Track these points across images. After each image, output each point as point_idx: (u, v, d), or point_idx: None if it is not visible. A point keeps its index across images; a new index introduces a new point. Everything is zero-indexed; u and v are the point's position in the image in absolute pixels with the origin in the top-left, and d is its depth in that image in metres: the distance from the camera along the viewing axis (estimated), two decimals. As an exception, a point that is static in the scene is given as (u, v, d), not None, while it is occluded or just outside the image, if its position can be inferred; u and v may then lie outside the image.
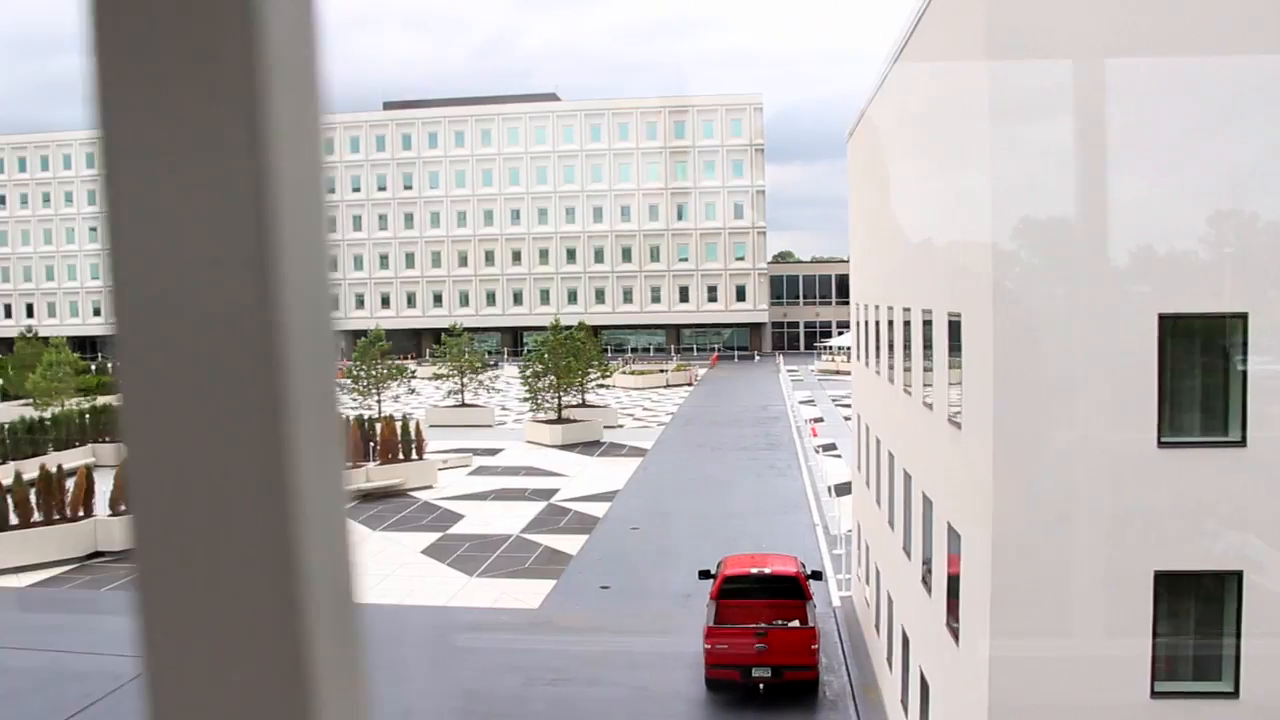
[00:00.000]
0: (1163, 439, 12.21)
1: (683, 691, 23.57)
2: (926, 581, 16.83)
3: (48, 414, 59.23)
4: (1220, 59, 12.17)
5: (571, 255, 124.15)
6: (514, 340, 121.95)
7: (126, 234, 0.94)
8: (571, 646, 26.70)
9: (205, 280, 0.92)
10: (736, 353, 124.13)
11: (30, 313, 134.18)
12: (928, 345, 16.62)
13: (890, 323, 21.06)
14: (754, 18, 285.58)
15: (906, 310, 18.84)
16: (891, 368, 21.16)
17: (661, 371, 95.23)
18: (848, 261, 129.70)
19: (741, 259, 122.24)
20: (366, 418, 49.02)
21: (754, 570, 25.33)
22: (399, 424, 47.25)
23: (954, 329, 14.56)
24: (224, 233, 0.91)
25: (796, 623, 23.76)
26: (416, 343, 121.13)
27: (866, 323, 25.43)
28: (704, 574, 27.60)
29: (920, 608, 17.47)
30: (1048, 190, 12.60)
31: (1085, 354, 12.40)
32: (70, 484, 36.37)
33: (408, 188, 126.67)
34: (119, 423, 0.94)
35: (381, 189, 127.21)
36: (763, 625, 23.14)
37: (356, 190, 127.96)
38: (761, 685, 22.68)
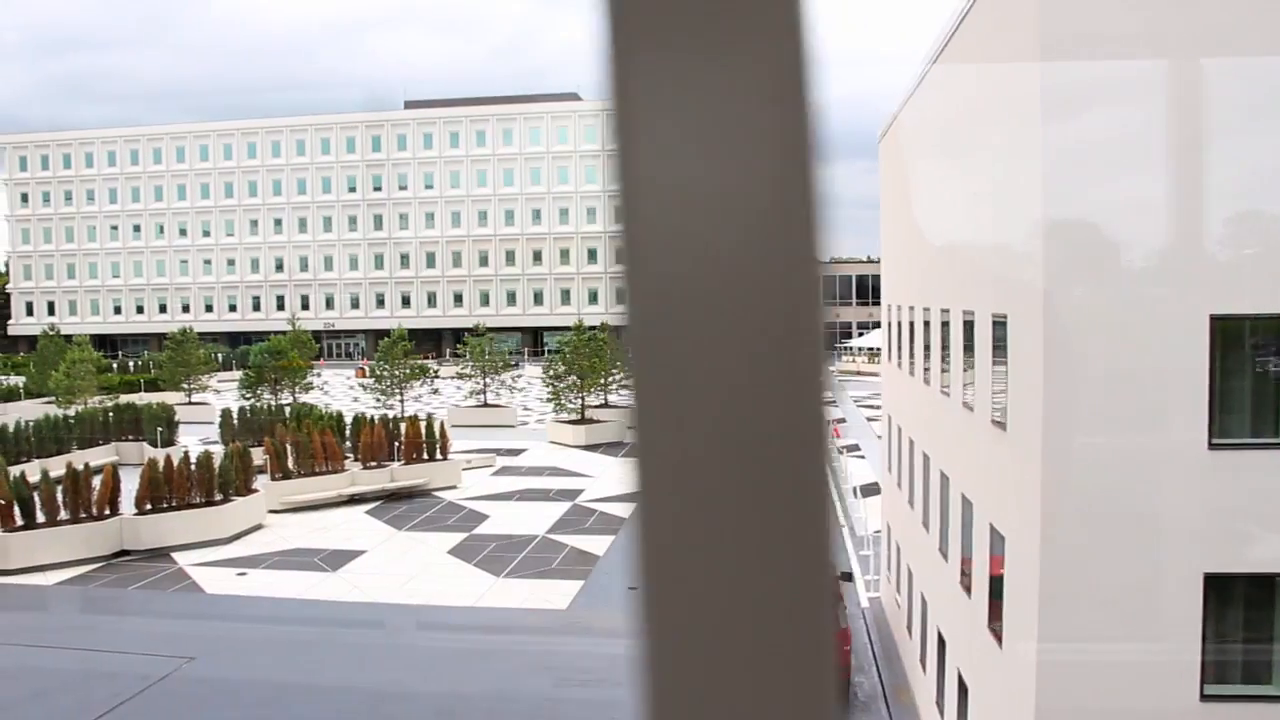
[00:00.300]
0: (1214, 440, 12.12)
1: (714, 692, 23.50)
2: (966, 583, 16.74)
3: (71, 412, 59.49)
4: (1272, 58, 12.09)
5: (593, 255, 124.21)
6: (534, 340, 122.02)
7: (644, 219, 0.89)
8: (602, 647, 26.58)
9: (746, 265, 0.86)
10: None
11: (51, 310, 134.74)
12: (968, 347, 16.53)
13: (926, 324, 20.96)
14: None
15: (944, 311, 18.76)
16: (927, 369, 21.07)
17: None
18: (865, 262, 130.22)
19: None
20: (390, 417, 49.04)
21: None
22: (423, 424, 47.27)
23: (998, 330, 14.48)
24: (760, 213, 0.86)
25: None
26: (436, 342, 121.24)
27: (900, 324, 25.33)
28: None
29: (959, 609, 17.39)
30: (1097, 190, 12.53)
31: (1135, 355, 12.32)
32: (96, 482, 36.41)
33: (429, 187, 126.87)
34: (632, 420, 0.89)
35: (403, 188, 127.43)
36: None
37: (378, 189, 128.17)
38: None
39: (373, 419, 48.06)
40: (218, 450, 42.81)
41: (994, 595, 14.81)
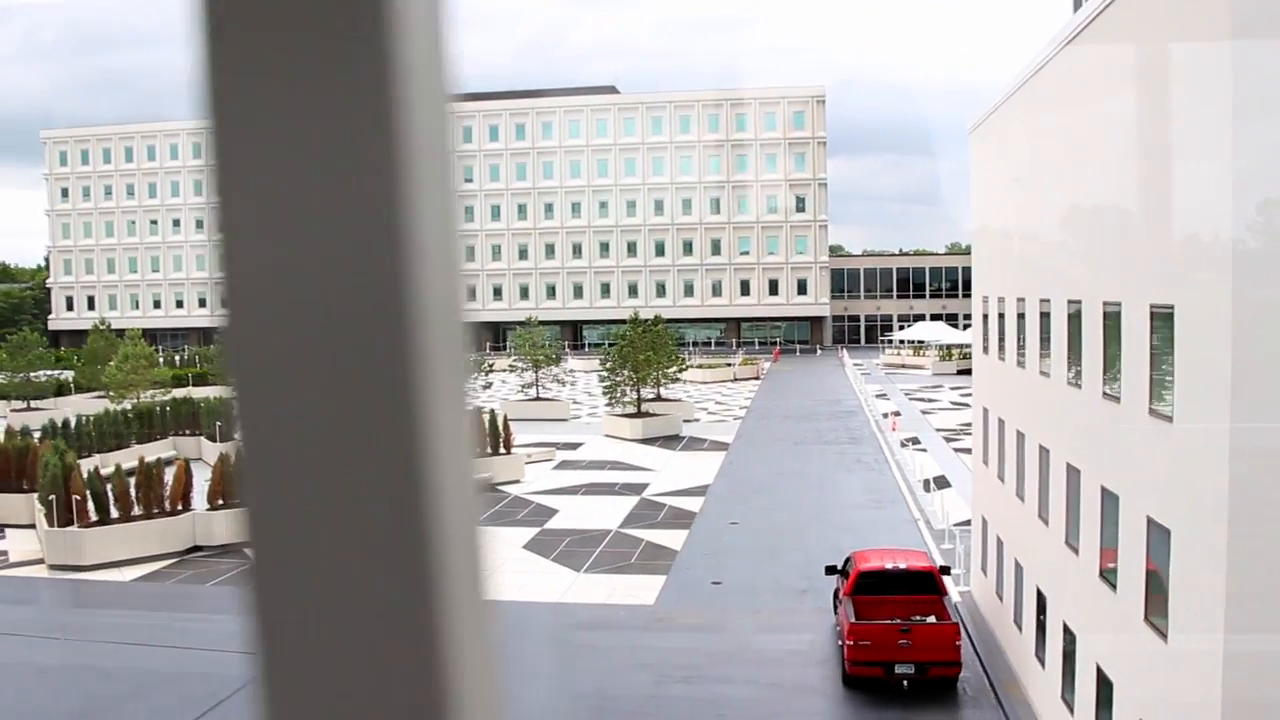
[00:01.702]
0: None
1: (819, 688, 23.25)
2: (1108, 576, 16.41)
3: (125, 406, 59.64)
4: None
5: (632, 248, 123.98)
6: (574, 334, 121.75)
7: (243, 229, 0.92)
8: (696, 643, 26.41)
9: (331, 274, 0.90)
10: (798, 346, 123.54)
11: (91, 305, 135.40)
12: (1112, 337, 16.16)
13: (1045, 315, 20.58)
14: (792, 13, 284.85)
15: (1074, 303, 18.39)
16: (1047, 359, 20.67)
17: (728, 365, 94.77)
18: (907, 255, 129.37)
19: (803, 252, 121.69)
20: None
21: (889, 565, 24.91)
22: (486, 418, 47.14)
23: (1157, 320, 14.14)
24: (352, 225, 0.89)
25: (933, 618, 23.38)
26: (476, 337, 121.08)
27: (1003, 315, 24.95)
28: (830, 569, 27.26)
29: (1098, 603, 17.05)
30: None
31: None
32: (169, 477, 36.35)
33: (468, 180, 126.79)
34: (235, 422, 0.93)
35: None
36: (906, 621, 22.78)
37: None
38: (905, 682, 22.33)
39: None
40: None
41: (1153, 589, 14.48)
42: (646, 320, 62.54)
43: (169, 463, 38.15)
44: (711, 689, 23.22)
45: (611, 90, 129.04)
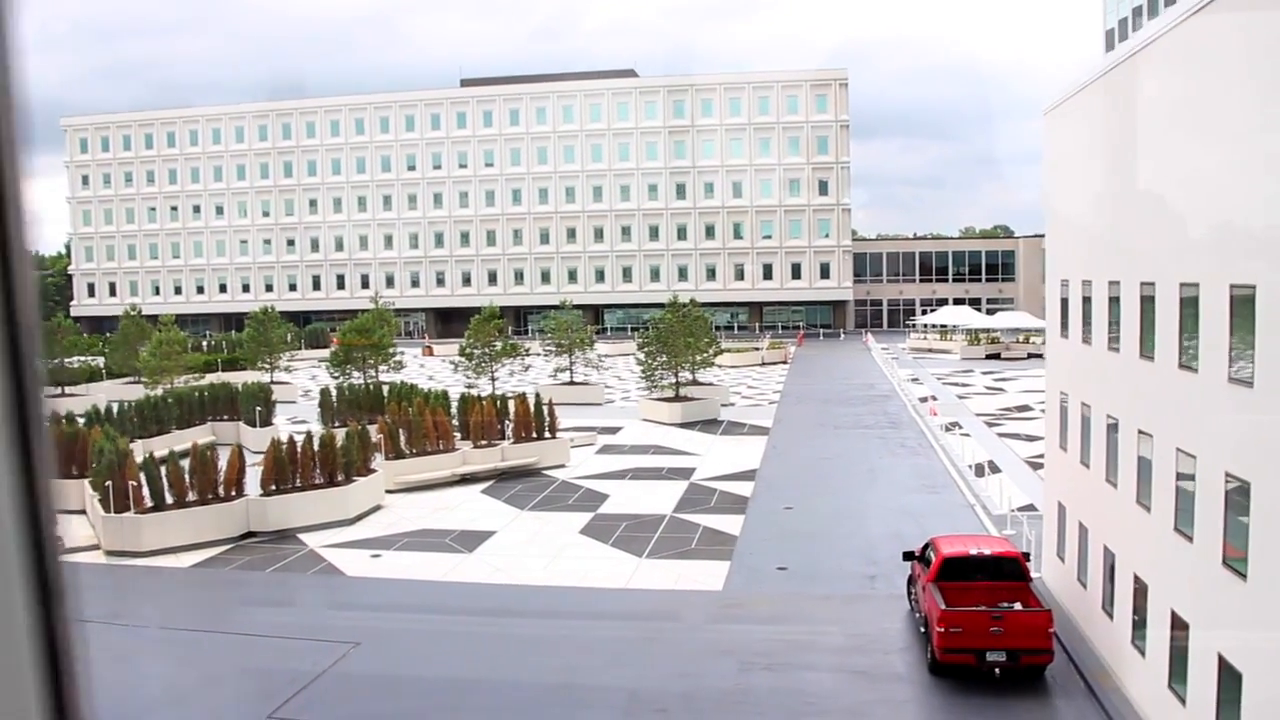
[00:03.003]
0: None
1: (905, 674, 22.96)
2: (1235, 565, 16.08)
3: (157, 391, 59.46)
4: None
5: (654, 232, 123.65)
6: (595, 318, 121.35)
7: None
8: (772, 630, 26.11)
9: None
10: (820, 331, 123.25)
11: (113, 292, 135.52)
12: (1243, 323, 15.77)
13: (1147, 298, 20.19)
14: (799, 3, 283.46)
15: (1189, 285, 18.01)
16: (1148, 342, 20.28)
17: (756, 349, 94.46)
18: (926, 239, 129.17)
19: (826, 236, 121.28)
20: (499, 396, 48.67)
21: (973, 551, 24.59)
22: (531, 401, 46.88)
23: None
24: None
25: (1019, 605, 23.08)
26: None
27: (1089, 299, 24.57)
28: (908, 555, 26.99)
29: (1221, 592, 16.72)
30: None
31: None
32: (223, 463, 36.13)
33: (489, 165, 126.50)
34: None
35: (462, 166, 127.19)
36: (998, 608, 22.48)
37: (437, 167, 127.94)
38: (997, 670, 22.03)
39: (480, 397, 47.70)
40: (306, 430, 42.56)
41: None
42: (684, 304, 62.15)
43: (208, 448, 37.87)
44: (797, 677, 22.95)
45: (631, 74, 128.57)
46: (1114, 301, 22.59)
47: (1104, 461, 23.28)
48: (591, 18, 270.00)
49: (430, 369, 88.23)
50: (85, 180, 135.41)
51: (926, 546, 25.90)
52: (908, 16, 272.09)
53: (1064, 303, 27.28)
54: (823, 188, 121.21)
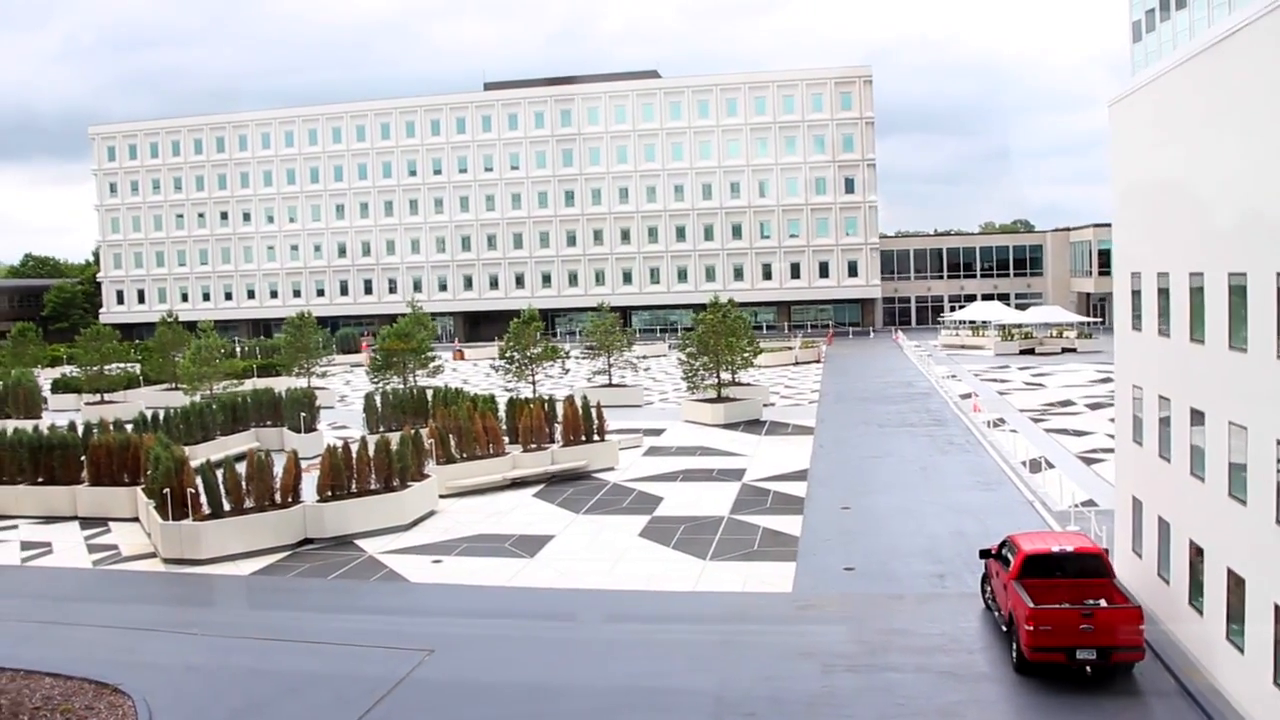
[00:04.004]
0: None
1: (990, 674, 22.68)
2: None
3: (197, 398, 59.54)
4: None
5: (681, 233, 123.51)
6: (623, 319, 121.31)
7: None
8: (849, 630, 25.86)
9: None
10: (850, 329, 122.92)
11: (141, 298, 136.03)
12: None
13: (1237, 289, 19.90)
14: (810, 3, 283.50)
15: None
16: (1233, 334, 19.98)
17: (789, 349, 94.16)
18: (951, 235, 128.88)
19: (852, 234, 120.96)
20: (547, 399, 48.49)
21: (1055, 548, 24.32)
22: (580, 404, 46.70)
23: None
24: None
25: (1103, 601, 22.82)
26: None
27: (1164, 290, 24.23)
28: (984, 553, 26.76)
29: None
30: None
31: None
32: (279, 469, 35.99)
33: (514, 168, 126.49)
34: None
35: (488, 169, 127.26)
36: (1087, 605, 22.22)
37: (463, 171, 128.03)
38: (1088, 668, 21.77)
39: (528, 401, 47.54)
40: (348, 436, 42.39)
41: None
42: (724, 304, 61.92)
43: (264, 454, 37.74)
44: (882, 678, 22.69)
45: (654, 75, 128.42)
46: (1196, 292, 22.30)
47: (1187, 455, 22.98)
48: (608, 20, 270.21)
49: (463, 373, 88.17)
50: (113, 188, 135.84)
51: (1004, 544, 25.64)
52: (923, 13, 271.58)
53: (1135, 295, 26.97)
54: (849, 185, 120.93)
